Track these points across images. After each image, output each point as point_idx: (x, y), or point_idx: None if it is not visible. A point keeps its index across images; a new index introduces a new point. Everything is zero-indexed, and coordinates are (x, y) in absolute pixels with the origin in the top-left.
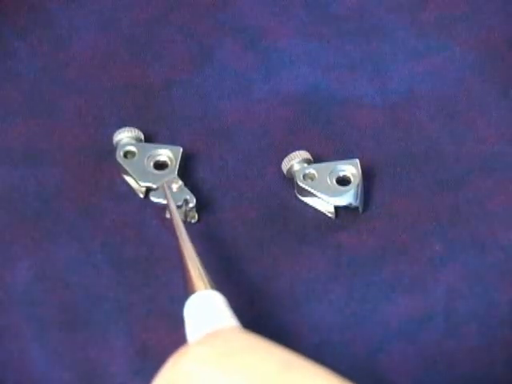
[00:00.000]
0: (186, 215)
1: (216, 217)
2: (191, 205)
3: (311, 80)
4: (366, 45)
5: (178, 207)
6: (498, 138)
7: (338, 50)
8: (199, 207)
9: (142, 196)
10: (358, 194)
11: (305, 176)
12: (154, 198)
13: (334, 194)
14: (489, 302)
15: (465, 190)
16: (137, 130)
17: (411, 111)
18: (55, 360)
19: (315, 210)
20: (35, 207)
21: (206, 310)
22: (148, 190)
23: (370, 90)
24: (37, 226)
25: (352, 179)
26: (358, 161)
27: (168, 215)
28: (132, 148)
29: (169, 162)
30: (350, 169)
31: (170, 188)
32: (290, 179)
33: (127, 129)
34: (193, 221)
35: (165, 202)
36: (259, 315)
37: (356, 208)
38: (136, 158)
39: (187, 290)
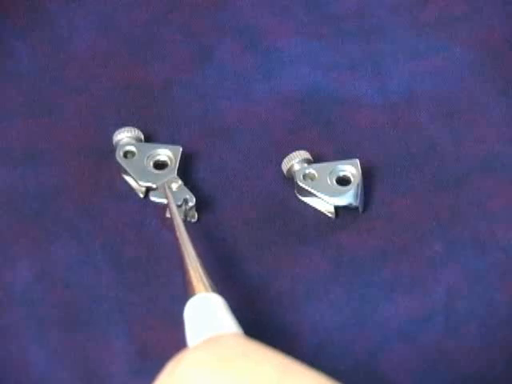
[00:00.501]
0: (185, 214)
1: (216, 217)
2: (191, 204)
3: (311, 80)
4: (366, 45)
5: (178, 207)
6: (497, 138)
7: (338, 50)
8: (199, 207)
9: (141, 196)
10: (358, 193)
11: (305, 176)
12: (153, 198)
13: (334, 194)
14: (489, 302)
15: (465, 190)
16: (137, 130)
17: (411, 111)
18: (55, 360)
19: (315, 210)
20: (35, 207)
21: (206, 313)
22: (148, 190)
23: (369, 90)
24: (37, 225)
25: (352, 179)
26: (357, 161)
27: (168, 215)
28: (132, 148)
29: (168, 162)
30: (350, 169)
31: (170, 188)
32: (289, 179)
33: (127, 129)
34: (193, 220)
35: (165, 201)
36: (259, 315)
37: (356, 208)
38: (136, 157)
39: (187, 291)
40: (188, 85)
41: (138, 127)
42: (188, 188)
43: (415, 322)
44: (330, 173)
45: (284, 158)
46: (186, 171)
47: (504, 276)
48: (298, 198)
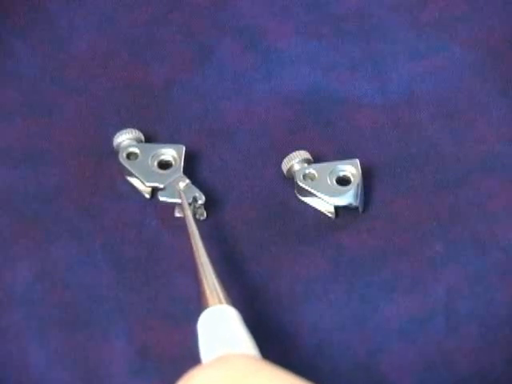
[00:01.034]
0: (194, 213)
1: (216, 217)
2: (200, 202)
3: (311, 80)
4: (366, 45)
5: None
6: (498, 138)
7: (338, 50)
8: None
9: (148, 196)
10: (358, 193)
11: (305, 176)
12: (163, 198)
13: (334, 194)
14: (489, 301)
15: (465, 190)
16: (137, 131)
17: (411, 111)
18: (55, 360)
19: (315, 210)
20: (35, 207)
21: (220, 328)
22: (153, 191)
23: (369, 90)
24: (37, 226)
25: (352, 179)
26: (357, 161)
27: (177, 214)
28: (135, 149)
29: (172, 161)
30: (350, 169)
31: (178, 187)
32: (290, 179)
33: (127, 130)
34: (202, 218)
35: (174, 200)
36: (259, 315)
37: (356, 208)
38: (139, 158)
39: (201, 302)
40: (188, 85)
41: (138, 127)
42: None
43: (415, 322)
44: (330, 173)
45: (284, 158)
46: (185, 171)
47: (504, 276)
48: (298, 197)
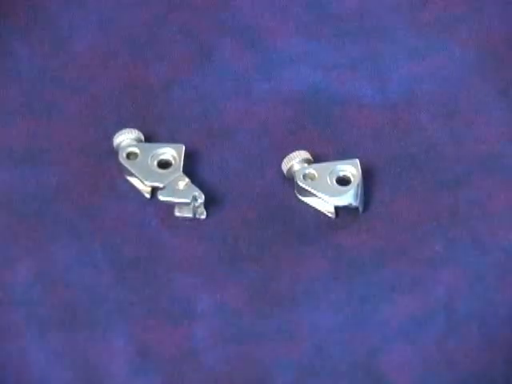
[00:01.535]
0: (194, 212)
1: (216, 216)
2: (200, 201)
3: (311, 80)
4: (366, 45)
5: (187, 204)
6: (498, 138)
7: (338, 50)
8: None
9: (148, 196)
10: (357, 193)
11: (305, 176)
12: (162, 197)
13: (333, 194)
14: (489, 302)
15: (465, 190)
16: (137, 131)
17: (411, 111)
18: (55, 360)
19: (315, 210)
20: (35, 207)
21: None
22: (153, 190)
23: (369, 90)
24: (37, 226)
25: (352, 179)
26: (357, 161)
27: (177, 213)
28: (134, 149)
29: (172, 161)
30: (350, 169)
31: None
32: (290, 179)
33: (127, 130)
34: (202, 217)
35: (173, 200)
36: (259, 315)
37: (356, 208)
38: (139, 158)
39: None
40: (188, 85)
41: (138, 127)
42: None
43: (415, 321)
44: (330, 173)
45: (284, 157)
46: (185, 171)
47: (504, 276)
48: (298, 197)
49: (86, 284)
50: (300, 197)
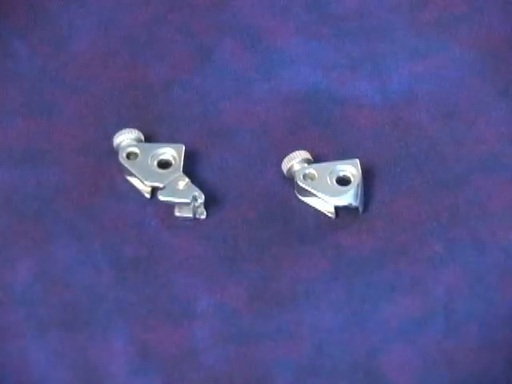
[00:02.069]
0: (194, 212)
1: (216, 216)
2: (200, 201)
3: (311, 80)
4: (366, 45)
5: (187, 204)
6: (498, 138)
7: (338, 50)
8: None
9: (148, 196)
10: (357, 193)
11: (305, 176)
12: (162, 197)
13: (333, 194)
14: (489, 301)
15: (465, 190)
16: (137, 131)
17: (411, 111)
18: (55, 360)
19: (315, 210)
20: (35, 207)
21: None
22: (153, 190)
23: (369, 90)
24: (37, 226)
25: (352, 179)
26: (357, 161)
27: (177, 213)
28: (134, 149)
29: (172, 161)
30: (350, 169)
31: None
32: (290, 179)
33: (127, 130)
34: (202, 217)
35: (173, 200)
36: (259, 315)
37: (356, 208)
38: (139, 158)
39: None
40: (188, 85)
41: (138, 127)
42: None
43: (415, 321)
44: (330, 173)
45: (284, 157)
46: (185, 171)
47: (504, 276)
48: (298, 197)
49: (86, 284)
50: (300, 197)
